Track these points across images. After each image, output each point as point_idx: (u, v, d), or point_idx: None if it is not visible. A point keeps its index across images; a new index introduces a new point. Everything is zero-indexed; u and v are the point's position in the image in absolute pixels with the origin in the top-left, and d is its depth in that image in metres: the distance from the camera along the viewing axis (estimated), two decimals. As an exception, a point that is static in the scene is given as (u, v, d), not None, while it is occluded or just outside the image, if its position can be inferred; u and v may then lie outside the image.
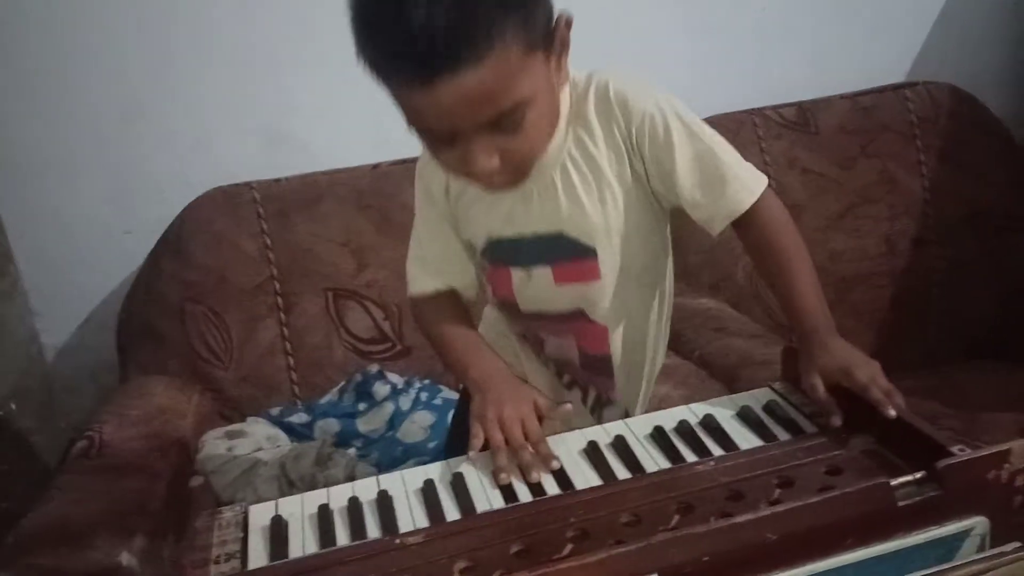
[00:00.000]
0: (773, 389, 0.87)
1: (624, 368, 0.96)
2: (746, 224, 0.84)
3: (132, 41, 1.43)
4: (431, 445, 1.36)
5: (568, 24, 0.78)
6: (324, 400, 1.44)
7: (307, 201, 1.47)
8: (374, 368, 1.44)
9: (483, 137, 0.73)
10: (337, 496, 0.75)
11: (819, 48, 1.58)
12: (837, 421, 0.76)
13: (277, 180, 1.47)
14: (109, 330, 1.47)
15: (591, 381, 0.98)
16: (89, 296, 1.53)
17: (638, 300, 0.92)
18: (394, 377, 1.44)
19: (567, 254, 0.87)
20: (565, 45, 0.78)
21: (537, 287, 0.90)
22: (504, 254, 0.90)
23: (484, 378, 0.86)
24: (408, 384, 1.44)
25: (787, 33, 1.52)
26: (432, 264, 0.94)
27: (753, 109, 1.49)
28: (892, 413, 0.72)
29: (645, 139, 0.82)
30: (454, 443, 1.08)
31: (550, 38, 0.76)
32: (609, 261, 0.88)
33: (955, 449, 0.65)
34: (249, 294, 1.43)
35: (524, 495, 0.74)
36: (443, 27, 0.67)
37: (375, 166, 1.50)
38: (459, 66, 0.68)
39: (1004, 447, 0.61)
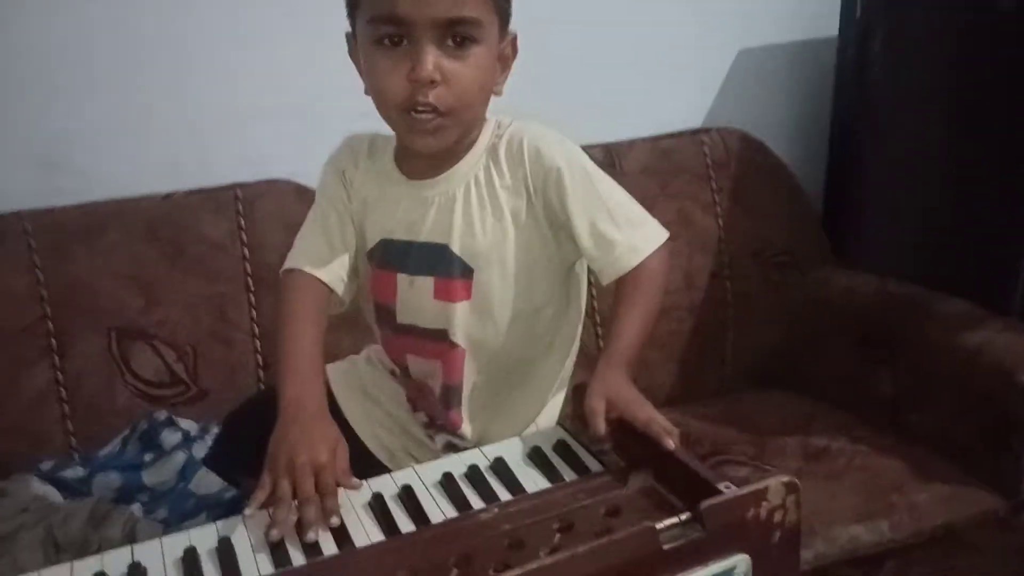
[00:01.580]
0: (564, 428, 0.88)
1: (480, 403, 0.96)
2: (622, 279, 0.89)
3: None
4: (228, 496, 1.27)
5: (515, 45, 0.90)
6: (104, 452, 1.30)
7: (88, 232, 1.34)
8: (162, 414, 1.33)
9: (432, 46, 0.81)
10: (80, 571, 0.67)
11: (622, 93, 1.65)
12: (604, 444, 0.80)
13: (50, 209, 1.34)
14: None
15: (443, 413, 0.97)
16: None
17: (511, 336, 0.93)
18: (187, 423, 1.33)
19: (448, 270, 0.91)
20: (507, 59, 0.90)
21: (417, 297, 0.93)
22: (393, 257, 0.94)
23: (295, 405, 0.82)
24: (203, 431, 1.34)
25: (589, 77, 1.58)
26: (311, 250, 0.95)
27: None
28: (671, 445, 0.74)
29: (551, 190, 0.89)
30: (226, 450, 1.10)
31: (504, 32, 0.88)
32: (484, 286, 0.91)
33: (721, 487, 0.67)
34: (14, 337, 1.28)
35: (298, 557, 0.69)
36: None
37: (168, 195, 1.40)
38: None
39: (762, 485, 0.64)
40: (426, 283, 0.92)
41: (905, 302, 1.47)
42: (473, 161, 0.91)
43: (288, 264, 0.96)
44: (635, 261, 0.88)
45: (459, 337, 0.93)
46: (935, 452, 1.32)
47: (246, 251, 1.41)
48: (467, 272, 0.91)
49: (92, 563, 0.68)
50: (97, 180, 1.39)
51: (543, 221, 0.91)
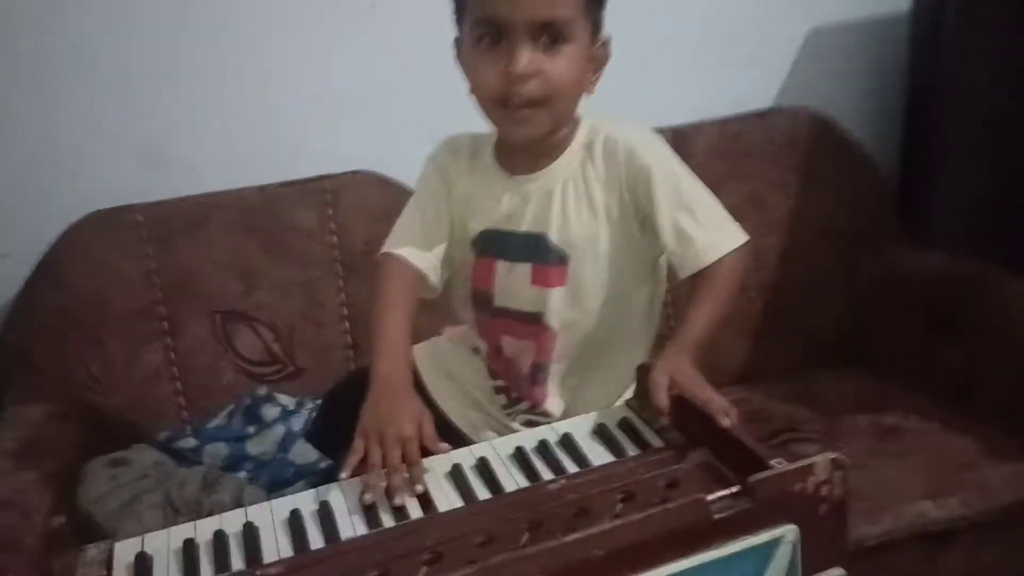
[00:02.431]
0: (629, 406, 0.94)
1: (566, 382, 1.04)
2: (699, 274, 0.95)
3: (1, 58, 1.40)
4: (323, 465, 1.37)
5: (607, 47, 0.97)
6: (213, 424, 1.43)
7: (192, 223, 1.47)
8: (263, 390, 1.45)
9: (527, 43, 0.89)
10: (203, 529, 0.77)
11: (690, 74, 1.67)
12: (665, 418, 0.86)
13: (160, 202, 1.46)
14: (-16, 359, 1.43)
15: (529, 389, 1.05)
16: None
17: (600, 320, 1.01)
18: (284, 399, 1.45)
19: (545, 257, 0.99)
20: (600, 61, 0.97)
21: (515, 283, 1.00)
22: (495, 246, 1.02)
23: (384, 381, 0.91)
24: (299, 405, 1.46)
25: (656, 60, 1.60)
26: (409, 239, 1.03)
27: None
28: (727, 423, 0.80)
29: (640, 188, 0.95)
30: (325, 426, 1.20)
31: (596, 36, 0.95)
32: (578, 274, 0.99)
33: (773, 463, 0.72)
34: (132, 319, 1.42)
35: (388, 519, 0.78)
36: None
37: (263, 188, 1.51)
38: None
39: (808, 461, 0.69)
40: (524, 269, 1.00)
41: (977, 280, 1.46)
42: (570, 158, 0.99)
43: (386, 249, 1.04)
44: (712, 258, 0.94)
45: (552, 320, 1.00)
46: (1006, 430, 1.31)
47: (334, 239, 1.51)
48: (563, 260, 0.98)
49: (212, 522, 0.78)
50: (198, 173, 1.51)
51: (632, 217, 0.98)
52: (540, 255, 0.99)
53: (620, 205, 0.98)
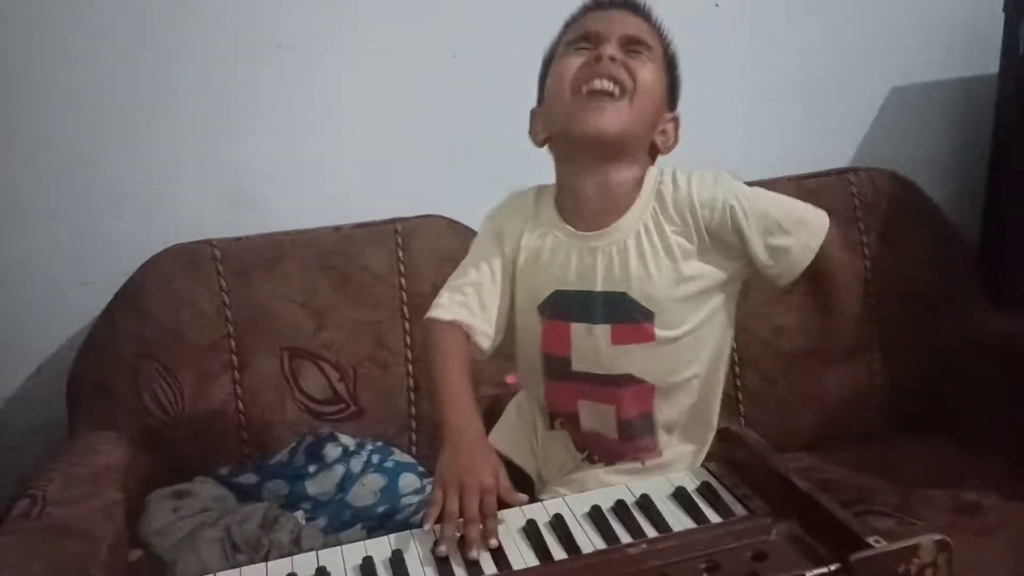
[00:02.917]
0: (708, 470, 0.91)
1: (668, 429, 1.01)
2: (808, 275, 0.97)
3: (88, 93, 1.45)
4: (380, 509, 1.36)
5: (677, 123, 1.03)
6: (274, 461, 1.43)
7: (268, 260, 1.49)
8: (326, 430, 1.44)
9: (616, 47, 0.96)
10: (276, 571, 0.76)
11: (767, 129, 1.66)
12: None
13: (238, 239, 1.49)
14: (60, 384, 1.46)
15: (619, 448, 1.02)
16: (39, 349, 1.52)
17: (688, 367, 1.00)
18: (346, 439, 1.45)
19: (627, 315, 0.96)
20: (667, 135, 1.02)
21: (595, 345, 0.98)
22: (568, 308, 0.99)
23: (457, 433, 0.90)
24: (360, 446, 1.45)
25: (734, 114, 1.59)
26: (461, 300, 1.01)
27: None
28: None
29: (726, 227, 0.95)
30: None
31: (668, 103, 1.02)
32: (664, 327, 0.96)
33: (871, 540, 0.68)
34: (204, 352, 1.44)
35: (461, 573, 0.76)
36: (634, 3, 1.01)
37: (337, 228, 1.53)
38: (633, 10, 1.01)
39: (913, 542, 0.65)
40: (604, 330, 0.97)
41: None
42: (640, 209, 0.98)
43: (436, 314, 1.01)
44: (809, 259, 0.95)
45: (646, 375, 0.98)
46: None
47: (403, 281, 1.51)
48: (648, 316, 0.96)
49: (285, 564, 0.77)
50: (276, 212, 1.54)
51: (716, 256, 0.97)
52: (622, 314, 0.96)
53: (700, 250, 0.96)
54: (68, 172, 1.48)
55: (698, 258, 0.96)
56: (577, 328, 0.98)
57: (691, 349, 0.99)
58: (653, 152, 1.03)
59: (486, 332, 1.00)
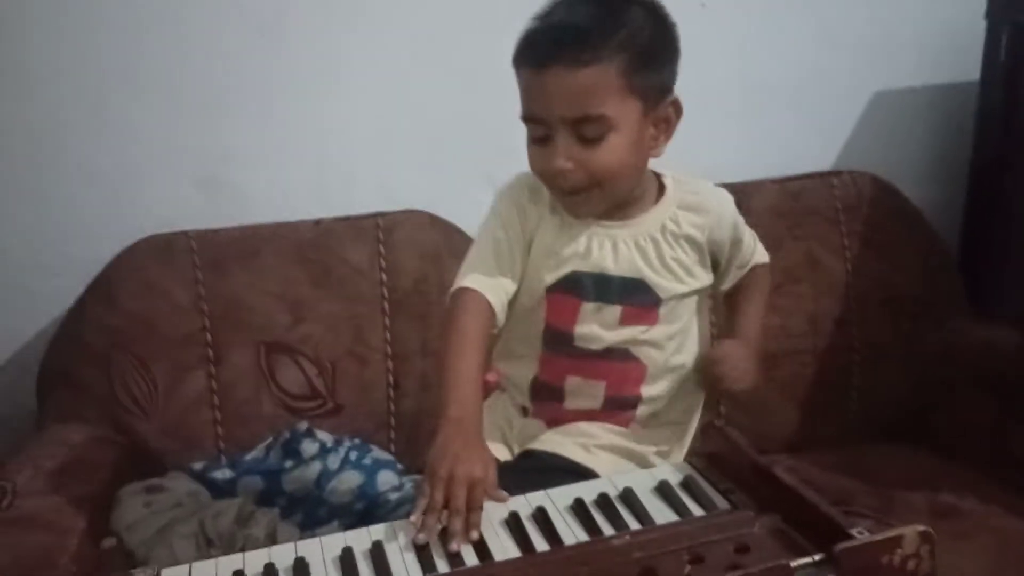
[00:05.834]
0: (692, 465, 0.90)
1: (651, 412, 1.06)
2: (750, 272, 1.14)
3: (60, 77, 1.41)
4: (357, 507, 1.34)
5: (676, 107, 0.98)
6: (249, 456, 1.41)
7: (246, 252, 1.46)
8: (303, 425, 1.42)
9: (566, 139, 0.93)
10: (253, 561, 0.74)
11: (751, 132, 1.66)
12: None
13: (215, 230, 1.46)
14: (30, 375, 1.42)
15: (600, 417, 1.05)
16: (7, 339, 1.48)
17: (679, 352, 1.06)
18: (323, 435, 1.42)
19: (639, 300, 1.02)
20: (668, 122, 0.98)
21: (600, 323, 1.02)
22: (582, 288, 1.02)
23: (456, 424, 0.88)
24: (338, 443, 1.43)
25: (718, 117, 1.59)
26: (485, 273, 1.01)
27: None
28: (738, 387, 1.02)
29: (725, 238, 1.07)
30: None
31: (655, 103, 0.95)
32: (666, 314, 1.03)
33: (854, 532, 0.68)
34: (178, 344, 1.41)
35: (442, 565, 0.74)
36: (573, 27, 0.90)
37: (317, 221, 1.51)
38: (568, 62, 0.89)
39: (896, 532, 0.64)
40: (613, 311, 1.02)
41: (1048, 357, 1.41)
42: (663, 209, 1.04)
43: (462, 283, 1.00)
44: (763, 260, 1.13)
45: (641, 356, 1.03)
46: (1077, 517, 1.25)
47: (383, 276, 1.50)
48: (657, 302, 1.02)
49: (262, 555, 0.75)
50: (252, 202, 1.51)
51: (707, 263, 1.07)
52: (635, 298, 1.01)
53: (699, 260, 1.06)
54: (34, 155, 1.44)
55: (699, 262, 1.05)
56: (587, 306, 1.01)
57: (683, 340, 1.06)
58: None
59: (503, 303, 1.02)
